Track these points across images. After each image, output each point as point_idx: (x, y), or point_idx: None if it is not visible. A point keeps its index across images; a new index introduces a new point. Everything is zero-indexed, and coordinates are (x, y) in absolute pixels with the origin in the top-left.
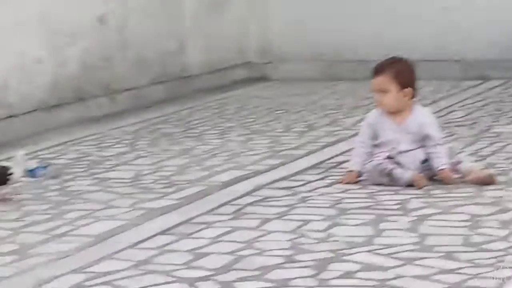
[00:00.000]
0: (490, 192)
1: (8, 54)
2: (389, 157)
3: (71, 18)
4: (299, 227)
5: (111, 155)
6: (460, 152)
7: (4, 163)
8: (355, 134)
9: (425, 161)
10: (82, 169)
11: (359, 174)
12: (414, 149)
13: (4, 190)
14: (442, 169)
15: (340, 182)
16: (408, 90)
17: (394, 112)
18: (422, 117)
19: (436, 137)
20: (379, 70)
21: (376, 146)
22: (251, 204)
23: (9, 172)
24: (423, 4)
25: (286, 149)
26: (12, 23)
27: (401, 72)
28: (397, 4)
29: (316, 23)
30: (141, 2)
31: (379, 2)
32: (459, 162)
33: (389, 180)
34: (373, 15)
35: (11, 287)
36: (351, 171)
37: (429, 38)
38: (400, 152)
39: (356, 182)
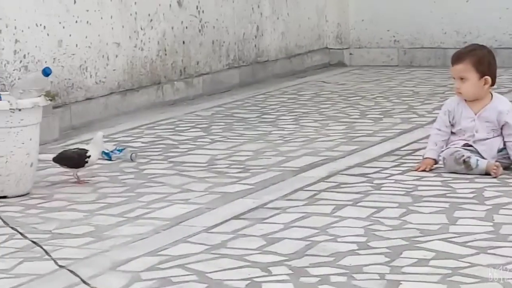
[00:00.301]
0: None
1: (86, 38)
2: (466, 145)
3: (149, 1)
4: (373, 214)
5: (186, 139)
6: None
7: (83, 145)
8: (431, 122)
9: (502, 149)
10: (158, 153)
11: (435, 161)
12: (492, 137)
13: (82, 172)
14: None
15: (416, 170)
16: (487, 78)
17: (473, 100)
18: (501, 105)
19: None
20: (459, 57)
21: (453, 133)
22: (325, 190)
23: (87, 154)
24: None
25: (361, 136)
26: (92, 6)
27: (481, 60)
28: None
29: (392, 10)
30: None
31: None
32: None
33: (465, 168)
34: (451, 2)
35: (87, 269)
36: (426, 158)
37: (508, 25)
38: (478, 140)
39: (431, 170)
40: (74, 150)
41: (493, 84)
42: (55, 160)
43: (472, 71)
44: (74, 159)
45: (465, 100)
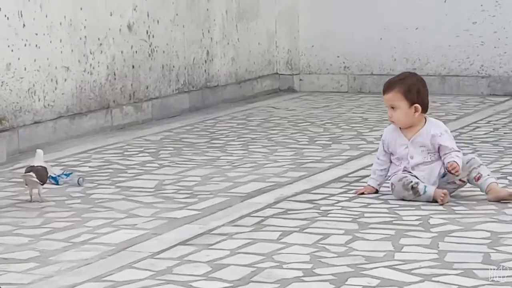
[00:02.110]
0: (511, 210)
1: (35, 61)
2: (405, 171)
3: (99, 25)
4: (319, 240)
5: (134, 164)
6: (480, 166)
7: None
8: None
9: (444, 175)
10: (105, 178)
11: (375, 190)
12: (430, 162)
13: (41, 189)
14: (451, 161)
15: (356, 193)
16: (417, 106)
17: (407, 127)
18: (434, 129)
19: (449, 146)
20: (389, 86)
21: (393, 162)
22: (272, 216)
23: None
24: (451, 19)
25: (309, 162)
26: (41, 30)
27: (410, 88)
28: (424, 19)
29: (342, 36)
30: (169, 12)
31: (405, 17)
32: (479, 177)
33: (412, 194)
34: (400, 29)
35: None
36: (369, 185)
37: (456, 53)
38: (415, 166)
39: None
40: (37, 167)
41: (424, 111)
42: (31, 170)
43: (402, 99)
44: (44, 175)
45: (400, 128)
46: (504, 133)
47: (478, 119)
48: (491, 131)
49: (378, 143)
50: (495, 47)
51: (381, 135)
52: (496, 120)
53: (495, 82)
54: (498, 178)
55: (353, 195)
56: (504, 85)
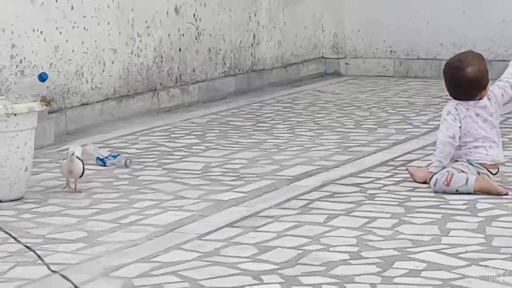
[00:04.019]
0: None
1: (83, 43)
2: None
3: (147, 8)
4: (366, 224)
5: (181, 146)
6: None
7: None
8: (425, 133)
9: None
10: (152, 160)
11: None
12: None
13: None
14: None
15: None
16: None
17: None
18: None
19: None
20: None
21: None
22: (318, 199)
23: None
24: (497, 4)
25: (355, 146)
26: (89, 13)
27: None
28: (471, 4)
29: (388, 21)
30: None
31: (452, 1)
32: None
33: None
34: (447, 13)
35: (79, 274)
36: None
37: (503, 38)
38: None
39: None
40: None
41: None
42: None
43: None
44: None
45: None
46: None
47: None
48: None
49: (424, 128)
50: None
51: (432, 118)
52: None
53: None
54: None
55: (399, 179)
56: None
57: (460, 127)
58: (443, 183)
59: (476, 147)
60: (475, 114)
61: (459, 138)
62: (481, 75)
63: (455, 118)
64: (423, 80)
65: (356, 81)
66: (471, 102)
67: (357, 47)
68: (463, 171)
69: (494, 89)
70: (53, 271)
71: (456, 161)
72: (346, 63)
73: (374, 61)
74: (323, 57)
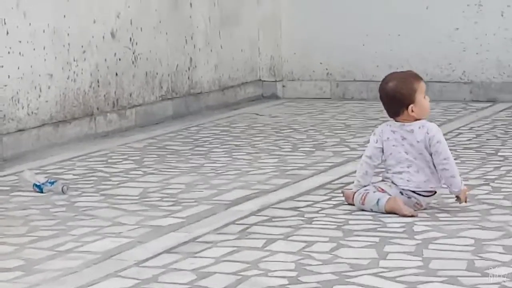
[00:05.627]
0: (495, 217)
1: (19, 68)
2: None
3: (83, 32)
4: (304, 248)
5: (118, 171)
6: None
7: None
8: (362, 155)
9: None
10: (89, 185)
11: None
12: None
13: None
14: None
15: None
16: None
17: None
18: None
19: None
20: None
21: None
22: (256, 223)
23: None
24: (433, 26)
25: (293, 169)
26: (25, 37)
27: None
28: (406, 25)
29: (325, 43)
30: (152, 19)
31: (387, 23)
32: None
33: None
34: (382, 35)
35: None
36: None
37: (439, 59)
38: None
39: None
40: None
41: None
42: None
43: None
44: None
45: None
46: (487, 139)
47: (461, 125)
48: (474, 137)
49: (361, 150)
50: (477, 53)
51: (366, 141)
52: (479, 126)
53: (477, 88)
54: (480, 185)
55: (337, 202)
56: (486, 91)
57: (381, 148)
58: (359, 202)
59: (399, 172)
60: (401, 137)
61: (385, 160)
62: (402, 92)
63: (377, 140)
64: (359, 102)
65: (294, 103)
66: (398, 124)
67: (294, 70)
68: (383, 190)
69: (435, 151)
70: None
71: (383, 180)
72: (283, 86)
73: (311, 84)
74: (260, 80)
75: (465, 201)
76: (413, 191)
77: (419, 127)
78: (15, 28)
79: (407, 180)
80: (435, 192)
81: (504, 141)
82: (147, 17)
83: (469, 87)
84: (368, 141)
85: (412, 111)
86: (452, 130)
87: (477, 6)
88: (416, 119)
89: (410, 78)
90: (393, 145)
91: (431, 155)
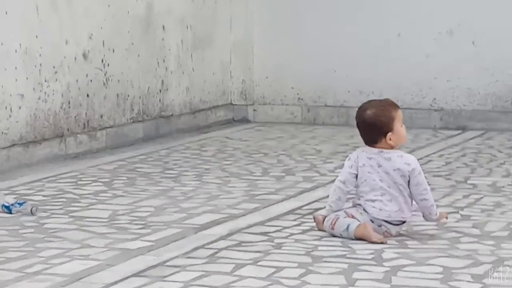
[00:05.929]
0: (463, 245)
1: None
2: None
3: (55, 53)
4: (273, 273)
5: (88, 193)
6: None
7: None
8: (332, 181)
9: None
10: (59, 207)
11: None
12: None
13: None
14: None
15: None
16: None
17: None
18: None
19: None
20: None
21: None
22: (226, 248)
23: None
24: (404, 52)
25: (263, 194)
26: None
27: None
28: (378, 52)
29: (296, 68)
30: (124, 40)
31: (359, 49)
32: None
33: None
34: (354, 61)
35: None
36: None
37: (409, 86)
38: None
39: None
40: None
41: None
42: None
43: None
44: None
45: None
46: (457, 167)
47: (431, 152)
48: (444, 165)
49: (331, 176)
50: (447, 81)
51: (341, 166)
52: (449, 154)
53: (447, 115)
54: (449, 213)
55: (306, 227)
56: (457, 119)
57: (356, 174)
58: (329, 227)
59: (372, 200)
60: (377, 164)
61: (358, 187)
62: (381, 120)
63: (352, 165)
64: (330, 127)
65: (264, 128)
66: (376, 150)
67: (265, 94)
68: (353, 216)
69: (416, 183)
70: None
71: (355, 206)
72: (254, 110)
73: (282, 108)
74: (231, 103)
75: (446, 217)
76: (384, 220)
77: (398, 156)
78: None
79: (379, 209)
80: (405, 221)
81: (474, 169)
82: (119, 38)
83: (440, 114)
84: (340, 166)
85: (390, 139)
86: (422, 157)
87: (449, 34)
88: (392, 147)
89: (388, 106)
90: (368, 172)
91: (408, 185)
